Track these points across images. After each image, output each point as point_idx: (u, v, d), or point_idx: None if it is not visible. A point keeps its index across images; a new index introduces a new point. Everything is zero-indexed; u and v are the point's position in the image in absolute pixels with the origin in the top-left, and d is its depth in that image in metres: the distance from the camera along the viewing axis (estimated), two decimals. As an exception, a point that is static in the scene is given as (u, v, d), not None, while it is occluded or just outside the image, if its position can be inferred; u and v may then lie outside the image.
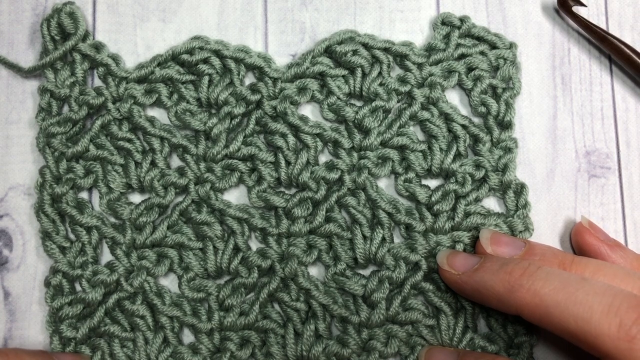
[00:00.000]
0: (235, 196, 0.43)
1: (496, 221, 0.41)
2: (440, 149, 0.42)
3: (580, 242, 0.41)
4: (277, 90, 0.42)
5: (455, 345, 0.40)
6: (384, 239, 0.41)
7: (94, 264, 0.41)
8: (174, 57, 0.42)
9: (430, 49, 0.43)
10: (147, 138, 0.42)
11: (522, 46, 0.45)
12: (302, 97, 0.42)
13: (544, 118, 0.44)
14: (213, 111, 0.42)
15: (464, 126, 0.42)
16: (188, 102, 0.42)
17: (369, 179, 0.41)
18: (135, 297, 0.40)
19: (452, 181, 0.42)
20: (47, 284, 0.40)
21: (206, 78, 0.42)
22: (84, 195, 0.42)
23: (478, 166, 0.42)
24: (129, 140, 0.42)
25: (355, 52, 0.42)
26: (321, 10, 0.45)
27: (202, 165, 0.41)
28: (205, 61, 0.42)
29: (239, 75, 0.42)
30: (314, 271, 0.42)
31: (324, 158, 0.43)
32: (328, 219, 0.41)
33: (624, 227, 0.44)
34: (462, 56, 0.43)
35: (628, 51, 0.43)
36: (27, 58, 0.43)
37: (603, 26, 0.46)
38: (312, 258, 0.41)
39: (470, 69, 0.43)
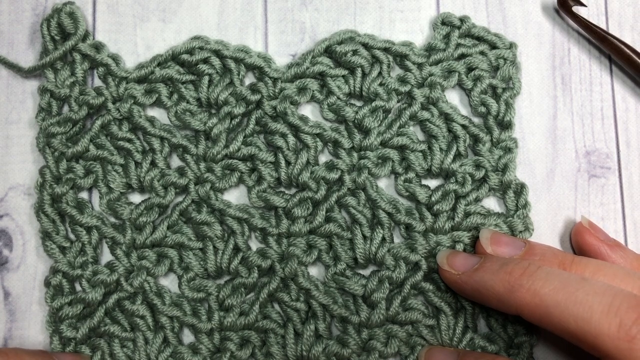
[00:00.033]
0: (235, 196, 0.43)
1: (496, 221, 0.41)
2: (440, 149, 0.42)
3: (580, 242, 0.41)
4: (277, 90, 0.42)
5: (455, 345, 0.40)
6: (384, 239, 0.41)
7: (94, 264, 0.41)
8: (174, 57, 0.42)
9: (430, 49, 0.43)
10: (147, 138, 0.42)
11: (522, 46, 0.45)
12: (302, 97, 0.42)
13: (544, 118, 0.44)
14: (213, 111, 0.42)
15: (464, 126, 0.42)
16: (188, 102, 0.42)
17: (369, 179, 0.41)
18: (135, 297, 0.40)
19: (452, 181, 0.42)
20: (47, 284, 0.40)
21: (206, 78, 0.42)
22: (84, 195, 0.42)
23: (478, 166, 0.42)
24: (129, 140, 0.42)
25: (355, 52, 0.42)
26: (321, 10, 0.45)
27: (202, 165, 0.41)
28: (205, 61, 0.42)
29: (239, 75, 0.42)
30: (314, 271, 0.42)
31: (324, 158, 0.43)
32: (328, 219, 0.41)
33: (624, 227, 0.44)
34: (462, 56, 0.43)
35: (628, 51, 0.43)
36: (27, 58, 0.43)
37: (603, 26, 0.46)
38: (312, 258, 0.41)
39: (470, 69, 0.43)
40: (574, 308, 0.32)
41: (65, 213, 0.41)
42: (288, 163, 0.41)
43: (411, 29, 0.45)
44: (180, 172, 0.41)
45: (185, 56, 0.42)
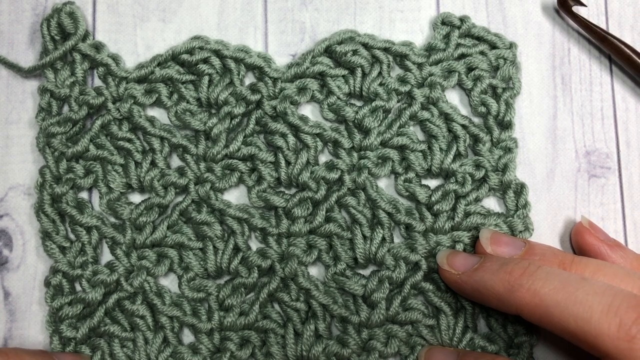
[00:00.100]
0: (235, 196, 0.43)
1: (496, 221, 0.41)
2: (440, 149, 0.42)
3: (580, 242, 0.41)
4: (277, 90, 0.42)
5: (455, 345, 0.40)
6: (384, 239, 0.41)
7: (94, 264, 0.41)
8: (174, 57, 0.42)
9: (430, 49, 0.43)
10: (147, 138, 0.42)
11: (522, 46, 0.45)
12: (302, 97, 0.42)
13: (544, 118, 0.44)
14: (213, 111, 0.42)
15: (464, 126, 0.42)
16: (188, 102, 0.42)
17: (369, 179, 0.41)
18: (135, 297, 0.40)
19: (452, 181, 0.42)
20: (47, 284, 0.40)
21: (206, 78, 0.42)
22: (84, 195, 0.42)
23: (478, 166, 0.42)
24: (129, 140, 0.42)
25: (355, 52, 0.42)
26: (321, 10, 0.45)
27: (202, 165, 0.41)
28: (205, 61, 0.42)
29: (239, 75, 0.42)
30: (314, 271, 0.42)
31: (324, 158, 0.43)
32: (328, 219, 0.41)
33: (624, 227, 0.44)
34: (462, 56, 0.43)
35: (628, 51, 0.43)
36: (27, 58, 0.43)
37: (603, 26, 0.46)
38: (312, 258, 0.41)
39: (470, 69, 0.43)
40: (573, 308, 0.32)
41: (65, 213, 0.41)
42: (288, 163, 0.41)
43: (411, 29, 0.45)
44: (180, 172, 0.41)
45: (185, 56, 0.42)
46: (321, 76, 0.42)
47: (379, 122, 0.42)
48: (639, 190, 0.44)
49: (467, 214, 0.41)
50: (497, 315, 0.40)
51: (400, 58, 0.43)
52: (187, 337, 0.41)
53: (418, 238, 0.41)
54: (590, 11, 0.46)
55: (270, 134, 0.42)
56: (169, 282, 0.42)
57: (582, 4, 0.45)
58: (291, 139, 0.42)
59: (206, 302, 0.41)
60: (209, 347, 0.40)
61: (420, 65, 0.43)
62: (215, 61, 0.42)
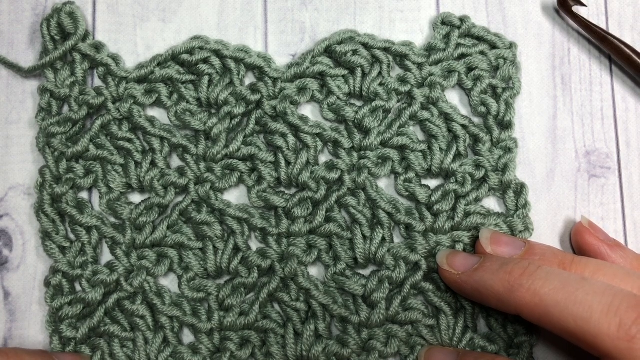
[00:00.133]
0: (235, 196, 0.43)
1: (496, 221, 0.41)
2: (440, 149, 0.42)
3: (580, 242, 0.41)
4: (277, 90, 0.42)
5: (455, 345, 0.40)
6: (384, 239, 0.41)
7: (94, 264, 0.41)
8: (174, 57, 0.42)
9: (430, 49, 0.43)
10: (147, 138, 0.42)
11: (522, 46, 0.45)
12: (302, 97, 0.42)
13: (544, 118, 0.44)
14: (213, 111, 0.42)
15: (464, 126, 0.42)
16: (188, 102, 0.42)
17: (369, 179, 0.41)
18: (135, 297, 0.40)
19: (452, 181, 0.42)
20: (47, 284, 0.40)
21: (206, 78, 0.42)
22: (84, 195, 0.42)
23: (478, 166, 0.42)
24: (129, 140, 0.42)
25: (355, 52, 0.42)
26: (321, 10, 0.45)
27: (202, 165, 0.41)
28: (205, 61, 0.42)
29: (239, 75, 0.42)
30: (314, 271, 0.42)
31: (324, 158, 0.43)
32: (328, 219, 0.41)
33: (624, 227, 0.44)
34: (462, 56, 0.43)
35: (628, 51, 0.43)
36: (27, 58, 0.43)
37: (603, 26, 0.46)
38: (312, 258, 0.41)
39: (470, 69, 0.43)
40: (573, 308, 0.32)
41: (65, 213, 0.41)
42: (288, 163, 0.41)
43: (411, 29, 0.45)
44: (180, 172, 0.41)
45: (185, 56, 0.42)
46: (321, 76, 0.42)
47: (379, 122, 0.42)
48: (639, 190, 0.44)
49: (467, 214, 0.41)
50: (497, 315, 0.40)
51: (400, 58, 0.43)
52: (187, 337, 0.41)
53: (418, 238, 0.41)
54: (590, 11, 0.46)
55: (270, 134, 0.42)
56: (169, 282, 0.42)
57: (582, 4, 0.45)
58: (291, 139, 0.42)
59: (206, 302, 0.41)
60: (209, 347, 0.40)
61: (420, 65, 0.43)
62: (215, 61, 0.42)
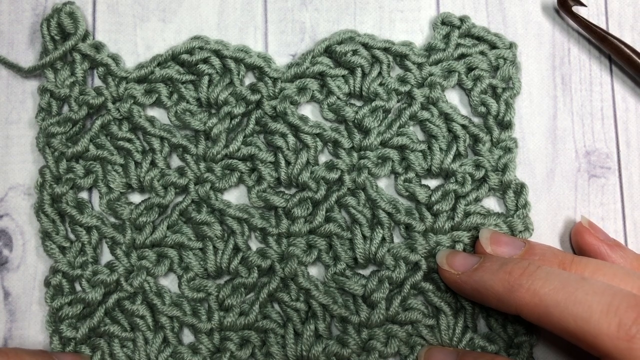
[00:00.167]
0: (235, 196, 0.43)
1: (496, 221, 0.41)
2: (440, 149, 0.42)
3: (580, 242, 0.41)
4: (277, 90, 0.42)
5: (455, 345, 0.40)
6: (383, 239, 0.41)
7: (94, 264, 0.41)
8: (174, 57, 0.42)
9: (430, 49, 0.43)
10: (147, 138, 0.42)
11: (522, 46, 0.45)
12: (302, 97, 0.42)
13: (544, 118, 0.44)
14: (213, 111, 0.42)
15: (464, 126, 0.42)
16: (188, 102, 0.42)
17: (369, 179, 0.41)
18: (135, 297, 0.40)
19: (452, 181, 0.42)
20: (47, 284, 0.40)
21: (206, 78, 0.42)
22: (84, 195, 0.42)
23: (478, 166, 0.42)
24: (129, 140, 0.42)
25: (355, 52, 0.42)
26: (321, 10, 0.45)
27: (202, 165, 0.41)
28: (205, 61, 0.42)
29: (239, 75, 0.42)
30: (314, 271, 0.42)
31: (324, 158, 0.43)
32: (328, 219, 0.41)
33: (624, 227, 0.44)
34: (462, 56, 0.43)
35: (628, 51, 0.43)
36: (27, 58, 0.43)
37: (603, 26, 0.46)
38: (312, 258, 0.41)
39: (470, 69, 0.43)
40: (573, 308, 0.32)
41: (65, 213, 0.41)
42: (288, 163, 0.41)
43: (411, 29, 0.45)
44: (180, 172, 0.41)
45: (185, 56, 0.42)
46: (321, 76, 0.42)
47: (379, 122, 0.42)
48: (639, 190, 0.44)
49: (467, 214, 0.41)
50: (497, 315, 0.40)
51: (400, 58, 0.43)
52: (187, 337, 0.41)
53: (418, 238, 0.41)
54: (590, 11, 0.46)
55: (270, 134, 0.42)
56: (169, 282, 0.42)
57: (582, 4, 0.45)
58: (291, 139, 0.42)
59: (206, 302, 0.41)
60: (209, 347, 0.40)
61: (420, 65, 0.43)
62: (215, 61, 0.42)
